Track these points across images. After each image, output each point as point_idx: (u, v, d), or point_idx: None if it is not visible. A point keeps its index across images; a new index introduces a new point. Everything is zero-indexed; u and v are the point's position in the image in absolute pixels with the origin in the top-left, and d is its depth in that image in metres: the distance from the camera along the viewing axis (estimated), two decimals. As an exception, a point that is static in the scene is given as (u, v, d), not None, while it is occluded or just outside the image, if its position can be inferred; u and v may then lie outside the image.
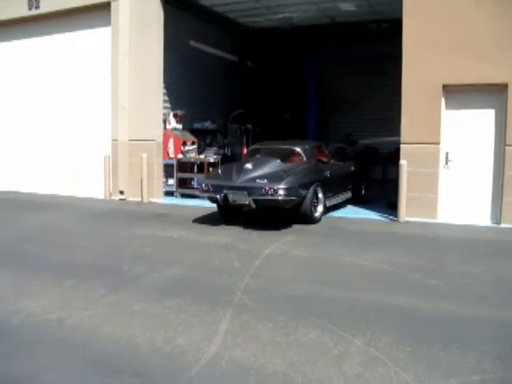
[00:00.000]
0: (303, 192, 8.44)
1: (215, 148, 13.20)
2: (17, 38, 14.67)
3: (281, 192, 8.02)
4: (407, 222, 8.88)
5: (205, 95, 13.95)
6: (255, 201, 8.24)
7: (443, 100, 8.96)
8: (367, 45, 15.72)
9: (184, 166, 12.66)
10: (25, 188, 14.10)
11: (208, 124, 13.78)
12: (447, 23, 8.78)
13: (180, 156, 12.64)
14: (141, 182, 11.77)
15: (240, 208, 8.81)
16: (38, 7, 13.50)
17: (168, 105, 12.74)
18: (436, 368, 3.49)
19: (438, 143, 8.95)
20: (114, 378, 3.42)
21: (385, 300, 4.92)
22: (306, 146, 9.60)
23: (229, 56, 15.27)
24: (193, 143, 13.01)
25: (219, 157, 12.42)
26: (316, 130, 17.14)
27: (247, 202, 8.33)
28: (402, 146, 9.17)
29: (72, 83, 13.49)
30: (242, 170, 8.74)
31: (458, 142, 9.00)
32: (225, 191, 8.48)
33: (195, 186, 11.85)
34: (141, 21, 12.03)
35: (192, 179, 12.48)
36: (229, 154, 13.33)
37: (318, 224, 8.88)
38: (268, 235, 7.85)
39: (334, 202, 9.79)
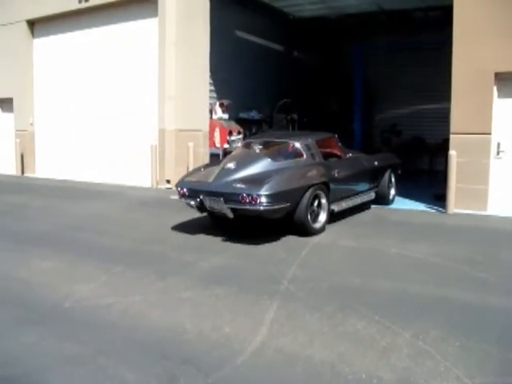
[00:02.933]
0: (295, 198, 6.88)
1: (261, 138, 13.21)
2: (66, 30, 15.11)
3: (262, 200, 6.46)
4: (456, 214, 8.67)
5: (251, 85, 13.95)
6: (233, 210, 6.81)
7: (495, 88, 8.67)
8: (414, 33, 15.40)
9: (230, 155, 12.71)
10: (77, 177, 14.50)
11: (254, 114, 13.80)
12: (500, 8, 8.45)
13: (226, 145, 12.70)
14: (187, 170, 11.88)
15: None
16: (87, 0, 13.78)
17: (214, 94, 12.81)
18: (488, 364, 3.41)
19: (489, 133, 8.68)
20: (162, 362, 3.49)
21: (433, 292, 4.84)
22: (308, 140, 7.95)
23: (274, 46, 15.21)
24: (239, 133, 13.04)
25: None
26: (362, 119, 16.93)
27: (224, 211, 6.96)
28: (451, 135, 8.94)
29: (120, 74, 13.75)
30: (222, 170, 7.33)
31: (510, 131, 8.71)
32: (201, 196, 7.08)
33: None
34: (187, 11, 12.11)
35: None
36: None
37: (364, 214, 8.72)
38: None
39: (346, 207, 8.17)
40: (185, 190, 7.38)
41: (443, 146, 10.20)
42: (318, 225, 7.31)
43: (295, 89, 15.65)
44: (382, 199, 9.37)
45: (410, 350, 3.61)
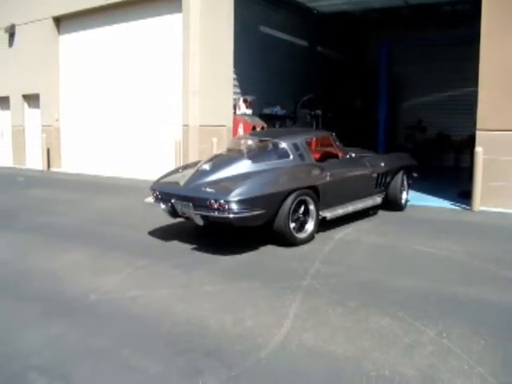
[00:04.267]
0: (272, 204, 6.11)
1: (284, 133, 13.17)
2: (91, 27, 15.29)
3: (231, 206, 5.77)
4: (481, 212, 8.56)
5: (274, 80, 13.93)
6: (203, 217, 6.11)
7: (524, 84, 8.54)
8: (441, 28, 15.24)
9: (253, 151, 12.68)
10: (102, 172, 14.68)
11: (277, 109, 13.78)
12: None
13: (249, 141, 12.69)
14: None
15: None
16: (112, -4, 13.95)
17: (238, 90, 12.82)
18: (513, 362, 3.38)
19: (517, 129, 8.56)
20: (185, 355, 3.52)
21: (458, 290, 4.78)
22: (297, 139, 7.16)
23: (298, 41, 15.16)
24: (262, 128, 13.01)
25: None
26: (387, 115, 16.81)
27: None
28: (477, 132, 8.82)
29: (145, 69, 13.87)
30: (196, 172, 6.68)
31: (539, 128, 8.56)
32: (173, 200, 6.42)
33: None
34: (211, 7, 12.13)
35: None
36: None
37: (388, 212, 8.57)
38: (337, 221, 7.72)
39: (343, 214, 7.34)
40: (157, 192, 6.81)
41: (469, 143, 10.06)
42: (303, 234, 6.51)
43: (319, 84, 15.58)
44: (393, 204, 8.53)
45: (434, 348, 3.58)
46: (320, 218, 6.83)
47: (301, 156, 6.99)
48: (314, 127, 14.12)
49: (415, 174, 9.09)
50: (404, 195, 8.71)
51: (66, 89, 16.31)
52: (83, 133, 15.85)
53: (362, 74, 17.14)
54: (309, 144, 7.36)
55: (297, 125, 14.18)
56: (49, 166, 16.54)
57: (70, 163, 16.25)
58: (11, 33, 17.49)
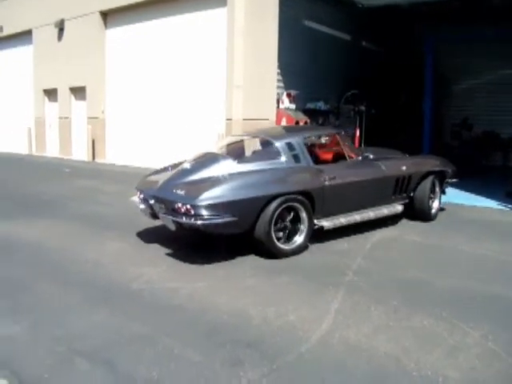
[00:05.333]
0: (249, 210, 5.45)
1: (327, 129, 13.08)
2: (137, 21, 15.48)
3: (199, 212, 5.20)
4: (530, 213, 8.34)
5: (318, 75, 13.85)
6: (174, 221, 5.50)
7: None
8: (491, 22, 14.78)
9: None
10: (145, 164, 14.84)
11: (321, 104, 13.69)
12: None
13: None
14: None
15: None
16: (158, -9, 14.11)
17: (281, 84, 12.79)
18: None
19: None
20: (227, 346, 3.55)
21: (505, 293, 4.65)
22: (294, 138, 6.38)
23: (343, 35, 15.02)
24: (305, 123, 12.99)
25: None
26: (432, 112, 16.45)
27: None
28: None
29: (188, 63, 13.98)
30: (177, 171, 6.17)
31: None
32: (151, 201, 5.91)
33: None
34: (256, 1, 12.11)
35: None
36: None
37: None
38: (379, 220, 7.59)
39: (346, 223, 6.41)
40: (139, 192, 6.38)
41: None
42: (289, 246, 5.78)
43: (363, 80, 15.39)
44: (420, 214, 7.50)
45: (479, 351, 3.49)
46: (316, 227, 6.09)
47: (295, 157, 6.21)
48: (357, 123, 13.97)
49: (452, 180, 8.05)
50: (435, 204, 7.65)
51: (111, 82, 16.62)
52: (128, 125, 16.12)
53: (408, 69, 16.83)
54: (310, 144, 6.80)
55: (340, 120, 14.06)
56: (94, 157, 16.89)
57: (115, 154, 16.55)
58: (61, 28, 17.92)
